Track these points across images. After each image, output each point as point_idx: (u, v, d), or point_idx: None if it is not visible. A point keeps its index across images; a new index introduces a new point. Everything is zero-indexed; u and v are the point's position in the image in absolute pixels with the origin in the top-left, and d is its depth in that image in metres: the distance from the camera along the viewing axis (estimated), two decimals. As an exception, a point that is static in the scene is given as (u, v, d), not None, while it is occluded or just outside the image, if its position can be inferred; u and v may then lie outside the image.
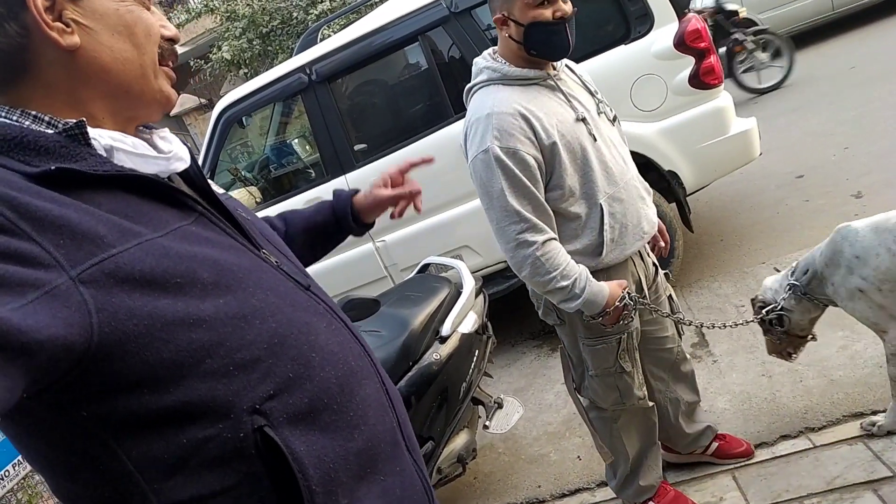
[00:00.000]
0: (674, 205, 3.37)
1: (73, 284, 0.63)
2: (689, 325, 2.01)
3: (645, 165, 3.26)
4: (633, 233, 1.80)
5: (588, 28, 3.38)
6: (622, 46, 3.18)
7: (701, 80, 3.11)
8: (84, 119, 0.74)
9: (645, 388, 2.01)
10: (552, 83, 1.73)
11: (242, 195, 3.85)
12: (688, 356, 2.17)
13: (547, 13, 1.62)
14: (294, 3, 11.61)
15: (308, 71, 3.44)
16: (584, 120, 1.72)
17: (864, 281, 1.84)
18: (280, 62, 4.27)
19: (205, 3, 13.89)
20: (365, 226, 1.34)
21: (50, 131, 0.72)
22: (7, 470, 2.17)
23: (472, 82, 1.80)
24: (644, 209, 1.84)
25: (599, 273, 1.79)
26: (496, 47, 1.79)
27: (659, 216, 3.14)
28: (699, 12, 3.19)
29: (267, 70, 3.81)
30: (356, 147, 3.56)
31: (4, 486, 2.17)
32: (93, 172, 0.70)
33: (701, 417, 2.26)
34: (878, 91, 5.19)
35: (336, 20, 4.53)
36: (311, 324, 0.83)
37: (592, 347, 1.90)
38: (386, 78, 3.95)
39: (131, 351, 0.66)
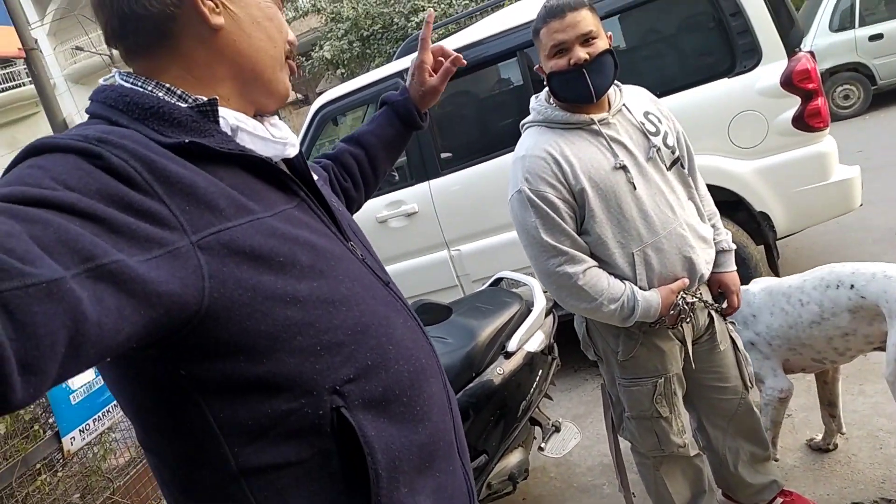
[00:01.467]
0: (762, 247, 3.24)
1: (193, 248, 0.67)
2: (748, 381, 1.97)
3: (736, 204, 3.16)
4: (670, 281, 1.75)
5: (691, 57, 3.31)
6: (725, 79, 3.10)
7: (805, 122, 2.99)
8: (217, 97, 0.79)
9: (687, 435, 1.93)
10: (595, 128, 1.73)
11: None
12: (755, 409, 2.08)
13: (562, 62, 1.67)
14: (397, 10, 11.90)
15: (405, 77, 3.52)
16: (623, 168, 1.70)
17: (756, 336, 2.19)
18: (378, 65, 4.40)
19: (312, 2, 14.45)
20: (425, 116, 1.40)
21: (182, 105, 0.78)
22: (87, 423, 2.32)
23: (524, 121, 1.86)
24: (691, 258, 1.76)
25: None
26: None
27: (745, 258, 3.06)
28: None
29: (364, 72, 3.92)
30: (442, 155, 3.61)
31: (84, 439, 2.31)
32: (219, 149, 0.76)
33: (768, 470, 2.16)
34: None
35: (436, 30, 4.62)
36: (389, 318, 0.86)
37: (628, 388, 1.87)
38: (479, 90, 3.99)
39: (234, 319, 0.69)
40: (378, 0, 12.13)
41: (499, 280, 2.79)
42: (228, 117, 0.80)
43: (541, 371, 2.35)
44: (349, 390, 0.78)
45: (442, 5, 11.71)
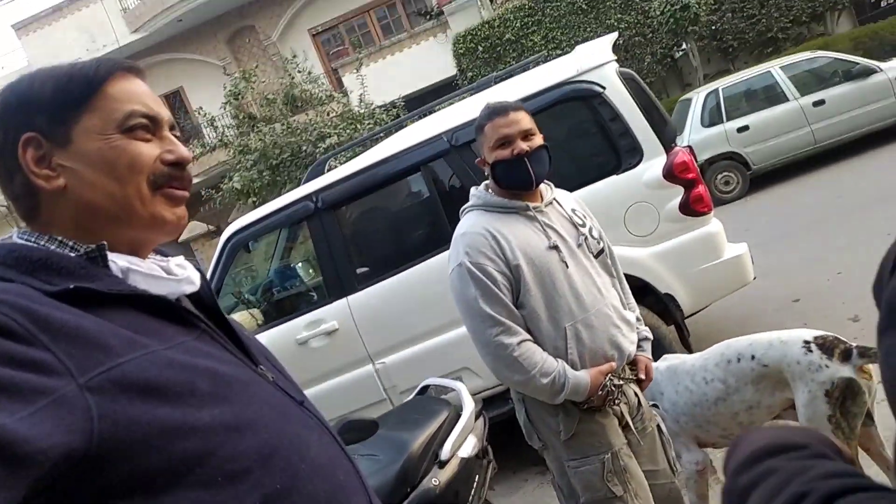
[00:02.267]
0: (672, 327, 3.39)
1: (80, 391, 0.66)
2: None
3: (643, 289, 3.33)
4: (600, 359, 1.84)
5: (582, 159, 3.58)
6: (615, 176, 3.35)
7: (691, 208, 3.25)
8: (105, 243, 0.81)
9: None
10: (531, 214, 1.88)
11: (244, 317, 3.88)
12: (683, 494, 2.10)
13: (506, 152, 1.85)
14: (304, 138, 12.26)
15: (314, 199, 3.60)
16: (556, 248, 1.84)
17: (664, 412, 2.24)
18: (288, 191, 4.50)
19: (220, 138, 14.69)
20: None
21: (72, 254, 0.80)
22: None
23: (464, 206, 1.99)
24: (617, 337, 1.88)
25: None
26: None
27: (659, 338, 3.18)
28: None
29: (275, 199, 3.99)
30: (358, 270, 3.65)
31: None
32: (108, 291, 0.76)
33: None
34: (865, 219, 5.36)
35: (343, 153, 4.80)
36: (301, 436, 0.84)
37: (577, 470, 1.86)
38: (389, 205, 4.12)
39: (127, 458, 0.67)
40: (285, 130, 12.49)
41: (426, 388, 2.76)
42: (119, 261, 0.82)
43: (478, 476, 2.30)
44: None
45: (348, 130, 12.18)
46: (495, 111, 1.89)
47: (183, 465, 0.70)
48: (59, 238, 0.81)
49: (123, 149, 0.84)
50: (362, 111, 12.95)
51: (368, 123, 12.40)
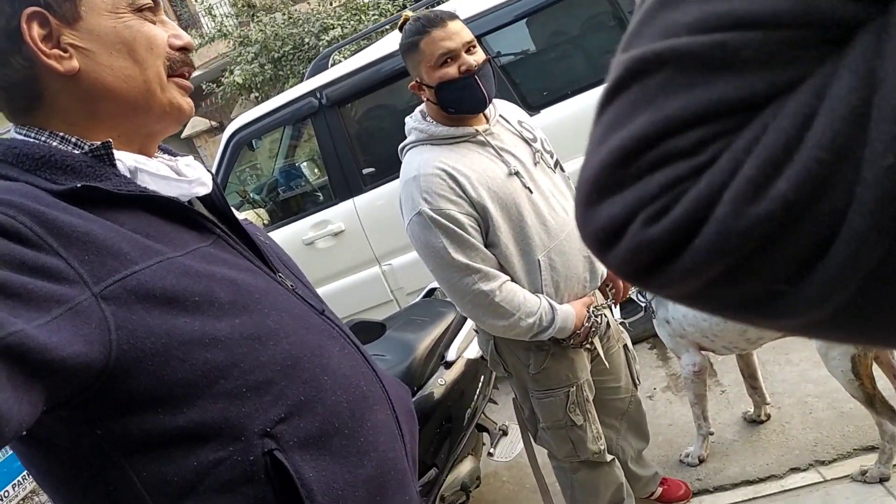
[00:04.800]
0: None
1: (96, 301, 0.64)
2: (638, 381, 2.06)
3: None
4: (575, 284, 1.75)
5: (597, 55, 3.41)
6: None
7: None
8: (111, 140, 0.75)
9: (602, 441, 1.92)
10: (482, 139, 1.68)
11: (250, 216, 3.86)
12: (640, 402, 2.15)
13: (452, 70, 1.59)
14: (306, 30, 11.79)
15: (318, 95, 3.48)
16: (517, 174, 1.67)
17: (672, 318, 2.26)
18: (291, 87, 4.33)
19: (218, 27, 14.14)
20: None
21: (76, 151, 0.74)
22: (7, 490, 2.16)
23: (403, 143, 1.79)
24: (591, 258, 1.77)
25: None
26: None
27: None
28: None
29: (278, 94, 3.86)
30: (364, 171, 3.58)
31: (4, 506, 2.15)
32: (117, 191, 0.72)
33: (650, 462, 2.26)
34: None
35: (347, 46, 4.60)
36: (323, 346, 0.83)
37: (541, 401, 1.86)
38: (395, 103, 3.98)
39: (147, 369, 0.66)
40: (286, 21, 11.99)
41: (432, 290, 2.78)
42: (126, 160, 0.76)
43: (483, 377, 2.35)
44: (282, 431, 0.74)
45: (352, 21, 11.69)
46: (429, 23, 1.58)
47: (205, 376, 0.69)
48: (61, 134, 0.75)
49: (138, 29, 0.78)
50: (367, 0, 12.37)
51: (373, 14, 11.88)
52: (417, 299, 2.79)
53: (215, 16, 14.03)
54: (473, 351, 2.28)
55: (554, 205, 1.72)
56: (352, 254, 3.54)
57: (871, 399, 1.97)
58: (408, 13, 1.69)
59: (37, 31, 0.73)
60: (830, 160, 0.26)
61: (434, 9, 1.66)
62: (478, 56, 1.62)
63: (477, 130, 1.68)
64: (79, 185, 0.69)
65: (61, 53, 0.74)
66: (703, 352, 2.31)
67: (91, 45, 0.76)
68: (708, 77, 0.29)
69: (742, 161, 0.28)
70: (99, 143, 0.75)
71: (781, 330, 0.35)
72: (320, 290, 3.50)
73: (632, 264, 0.32)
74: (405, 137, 1.81)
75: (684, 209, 0.29)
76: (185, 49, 0.84)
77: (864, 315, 0.28)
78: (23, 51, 0.73)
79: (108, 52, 0.76)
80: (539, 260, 1.68)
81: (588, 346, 1.83)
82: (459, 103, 1.64)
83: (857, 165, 0.26)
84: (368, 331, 2.04)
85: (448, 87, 1.61)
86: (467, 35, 1.61)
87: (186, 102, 0.84)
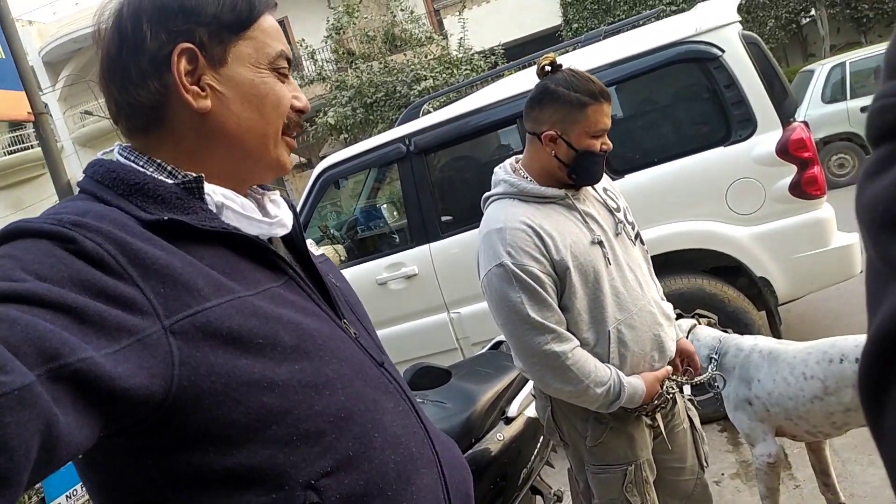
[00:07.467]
0: (763, 313, 3.22)
1: (164, 334, 0.65)
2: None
3: (736, 269, 3.17)
4: (640, 361, 1.69)
5: (687, 126, 3.38)
6: (721, 147, 3.15)
7: (803, 190, 3.03)
8: (203, 175, 0.79)
9: None
10: (570, 202, 1.69)
11: (328, 251, 3.97)
12: (707, 485, 1.99)
13: (597, 144, 1.65)
14: (400, 79, 12.26)
15: (407, 142, 3.59)
16: (600, 243, 1.66)
17: (756, 398, 2.15)
18: (380, 131, 4.49)
19: (318, 71, 14.88)
20: None
21: (169, 181, 0.77)
22: (76, 489, 2.24)
23: (489, 193, 1.79)
24: (661, 336, 1.72)
25: None
26: (519, 156, 1.78)
27: (748, 324, 3.03)
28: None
29: (366, 138, 4.00)
30: (443, 218, 3.64)
31: (70, 504, 2.23)
32: (200, 226, 0.74)
33: None
34: None
35: (438, 98, 4.74)
36: (378, 401, 0.81)
37: (597, 475, 1.78)
38: (479, 155, 4.06)
39: (204, 407, 0.66)
40: (381, 69, 12.51)
41: (498, 343, 2.75)
42: (215, 195, 0.79)
43: (542, 437, 2.29)
44: (325, 485, 0.73)
45: (444, 74, 12.07)
46: (603, 94, 1.63)
47: (259, 420, 0.69)
48: (159, 161, 0.78)
49: (272, 86, 0.83)
50: (460, 56, 12.78)
51: (465, 69, 12.24)
52: (483, 350, 2.77)
53: (316, 60, 14.82)
54: (534, 410, 2.23)
55: (629, 278, 1.70)
56: (422, 298, 3.57)
57: None
58: (552, 55, 1.73)
59: (184, 65, 0.77)
60: None
61: (598, 83, 1.66)
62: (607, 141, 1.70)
63: (566, 193, 1.69)
64: (166, 218, 0.72)
65: (199, 91, 0.78)
66: (778, 440, 2.18)
67: (227, 91, 0.80)
68: None
69: None
70: (193, 175, 0.78)
71: None
72: (387, 331, 3.55)
73: None
74: (486, 189, 1.83)
75: None
76: (301, 111, 0.87)
77: None
78: (163, 78, 0.77)
79: (240, 100, 0.80)
80: (609, 331, 1.65)
81: (649, 420, 1.76)
82: (586, 174, 1.70)
83: None
84: (433, 376, 2.03)
85: (588, 158, 1.66)
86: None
87: (289, 160, 0.89)
